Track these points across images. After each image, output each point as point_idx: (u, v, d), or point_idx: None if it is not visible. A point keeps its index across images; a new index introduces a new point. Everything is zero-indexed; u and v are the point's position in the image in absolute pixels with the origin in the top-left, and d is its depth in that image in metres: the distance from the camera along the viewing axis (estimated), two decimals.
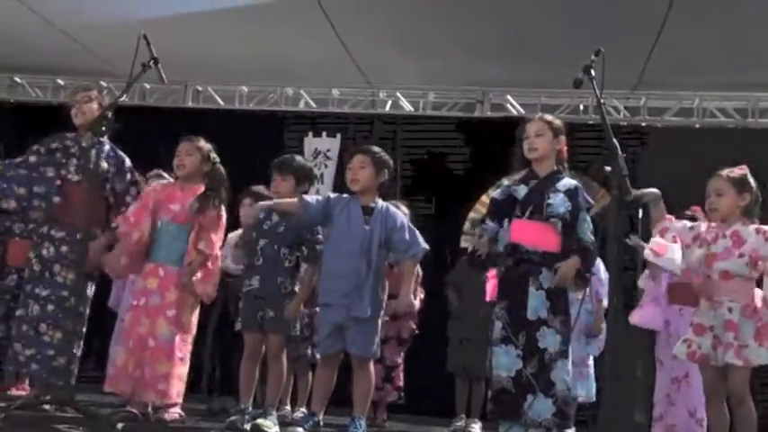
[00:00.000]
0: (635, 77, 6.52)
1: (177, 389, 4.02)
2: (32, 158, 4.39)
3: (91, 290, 4.35)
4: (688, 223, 3.87)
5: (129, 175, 4.45)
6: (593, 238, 3.68)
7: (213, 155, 4.28)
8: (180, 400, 4.05)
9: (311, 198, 4.10)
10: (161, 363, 3.98)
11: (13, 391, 5.11)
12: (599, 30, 5.41)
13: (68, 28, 6.51)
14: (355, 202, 4.08)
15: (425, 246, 4.05)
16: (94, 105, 4.38)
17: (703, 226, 3.82)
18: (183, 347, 4.08)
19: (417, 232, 4.07)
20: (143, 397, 3.98)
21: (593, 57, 3.40)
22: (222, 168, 4.31)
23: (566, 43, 5.72)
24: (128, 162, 4.47)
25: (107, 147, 4.20)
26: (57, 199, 4.30)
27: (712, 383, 3.66)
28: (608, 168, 3.29)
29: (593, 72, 3.39)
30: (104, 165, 4.26)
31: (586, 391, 5.06)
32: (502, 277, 3.81)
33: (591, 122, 6.75)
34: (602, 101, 3.39)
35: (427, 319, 5.69)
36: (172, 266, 4.12)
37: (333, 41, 6.28)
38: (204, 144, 4.28)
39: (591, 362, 5.28)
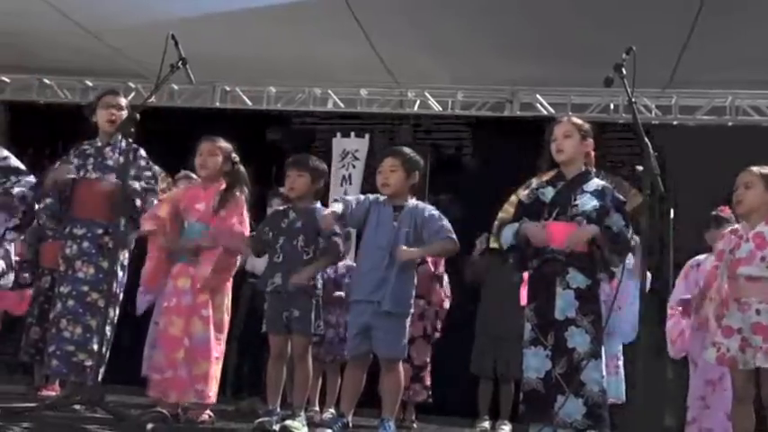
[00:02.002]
0: (666, 76, 6.43)
1: (213, 389, 4.02)
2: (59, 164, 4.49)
3: (116, 287, 4.35)
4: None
5: (146, 170, 4.44)
6: (626, 229, 3.60)
7: (234, 155, 4.28)
8: (214, 401, 4.05)
9: (352, 200, 4.07)
10: (198, 363, 3.98)
11: (44, 392, 5.16)
12: (630, 28, 5.35)
13: (98, 30, 6.57)
14: (386, 202, 4.08)
15: (453, 235, 3.99)
16: (124, 113, 4.41)
17: (720, 244, 3.81)
18: (218, 347, 4.08)
19: (446, 222, 4.02)
20: (181, 398, 3.97)
21: (624, 55, 3.36)
22: (243, 168, 4.30)
23: (596, 42, 5.66)
24: (143, 153, 4.47)
25: (123, 143, 4.21)
26: (75, 197, 4.35)
27: (742, 386, 3.61)
28: (640, 168, 3.24)
29: (624, 70, 3.35)
30: (121, 160, 4.29)
31: (616, 392, 5.00)
32: (530, 279, 3.79)
33: (621, 121, 6.68)
34: (633, 100, 3.35)
35: (455, 319, 5.66)
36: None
37: (361, 42, 6.27)
38: (225, 144, 4.28)
39: (620, 362, 5.21)
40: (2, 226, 4.23)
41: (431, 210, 4.06)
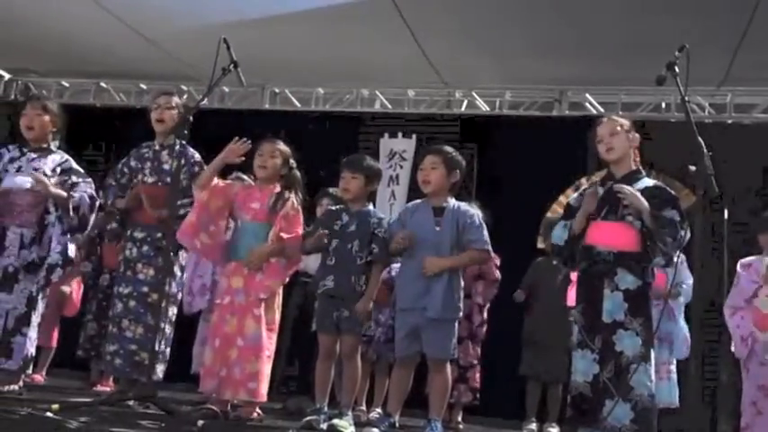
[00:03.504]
0: (720, 73, 6.30)
1: (265, 387, 4.06)
2: (119, 168, 4.62)
3: (174, 287, 4.44)
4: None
5: (196, 169, 4.48)
6: (680, 224, 3.51)
7: (292, 160, 4.32)
8: (265, 399, 4.11)
9: (394, 230, 4.06)
10: (251, 362, 4.01)
11: (98, 387, 5.28)
12: (681, 25, 5.26)
13: (152, 35, 6.71)
14: (426, 205, 4.08)
15: (488, 246, 4.01)
16: (175, 112, 4.49)
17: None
18: (270, 346, 4.12)
19: (485, 230, 4.03)
20: (233, 395, 4.02)
21: (676, 53, 3.31)
22: (298, 173, 4.33)
23: (646, 39, 5.58)
24: (197, 157, 4.53)
25: (177, 146, 4.30)
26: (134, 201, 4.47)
27: None
28: (693, 168, 3.19)
29: (677, 68, 3.30)
30: (176, 163, 4.37)
31: (669, 397, 4.92)
32: (578, 280, 3.76)
33: (673, 120, 6.56)
34: (686, 98, 3.29)
35: (502, 321, 5.63)
36: None
37: (408, 42, 6.27)
38: (285, 147, 4.32)
39: (673, 366, 5.13)
40: (63, 223, 4.34)
41: (472, 214, 4.05)
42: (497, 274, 5.40)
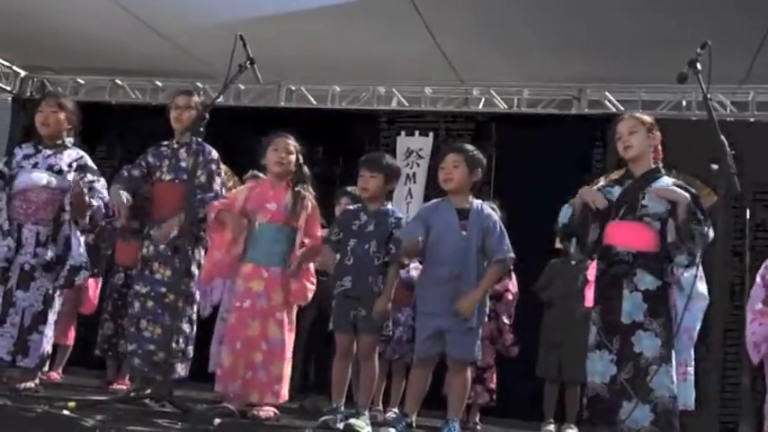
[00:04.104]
0: (742, 71, 6.22)
1: (286, 388, 4.08)
2: (136, 164, 4.60)
3: (193, 287, 4.42)
4: None
5: (213, 166, 4.48)
6: (704, 221, 3.46)
7: (301, 156, 4.31)
8: (287, 399, 4.11)
9: (413, 228, 4.02)
10: (275, 365, 4.02)
11: (115, 385, 5.28)
12: (703, 22, 5.19)
13: (168, 32, 6.71)
14: (448, 205, 4.01)
15: (512, 254, 3.96)
16: (194, 112, 4.47)
17: None
18: (290, 347, 4.13)
19: (506, 237, 3.98)
20: (260, 398, 4.02)
21: (698, 50, 3.25)
22: (307, 169, 4.32)
23: (667, 36, 5.52)
24: (214, 155, 4.51)
25: (194, 144, 4.29)
26: (152, 199, 4.47)
27: None
28: (715, 166, 3.13)
29: (698, 66, 3.24)
30: (192, 160, 4.35)
31: (685, 399, 4.85)
32: (596, 281, 3.71)
33: (694, 118, 6.48)
34: (708, 96, 3.24)
35: (519, 322, 5.58)
36: (275, 267, 4.12)
37: (425, 39, 6.24)
38: (296, 143, 4.31)
39: (690, 368, 5.06)
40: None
41: (495, 219, 4.00)
42: (514, 292, 5.44)
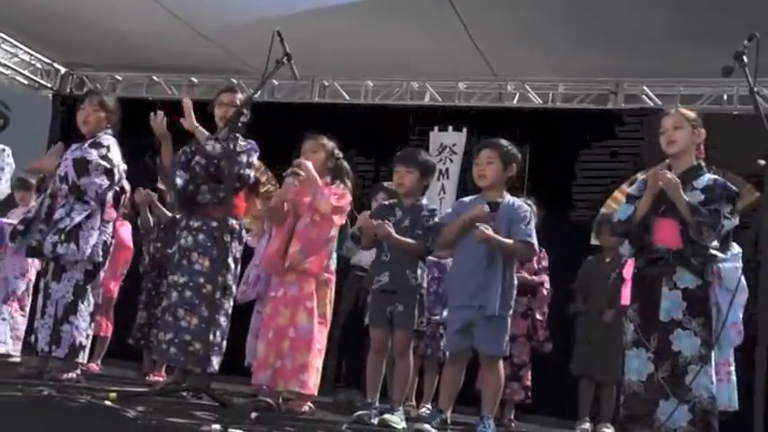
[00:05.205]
0: None
1: (315, 380, 4.07)
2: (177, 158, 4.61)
3: (230, 279, 4.44)
4: None
5: (245, 158, 4.47)
6: (728, 216, 3.43)
7: (337, 151, 4.32)
8: (316, 392, 4.11)
9: (447, 218, 4.02)
10: (302, 353, 4.03)
11: (151, 377, 5.35)
12: (746, 12, 5.07)
13: (204, 29, 6.77)
14: (481, 199, 4.02)
15: (535, 243, 3.95)
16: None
17: None
18: (321, 339, 4.13)
19: (533, 229, 3.97)
20: (285, 386, 4.03)
21: (745, 42, 3.19)
22: (346, 164, 4.33)
23: (707, 29, 5.43)
24: (244, 145, 4.48)
25: (230, 138, 4.31)
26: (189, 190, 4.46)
27: None
28: (762, 162, 3.08)
29: (745, 59, 3.18)
30: (222, 151, 4.37)
31: (728, 400, 4.77)
32: (634, 278, 3.68)
33: (736, 113, 6.36)
34: (755, 89, 3.18)
35: (555, 319, 5.55)
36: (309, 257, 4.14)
37: (459, 33, 6.20)
38: (328, 141, 4.32)
39: (732, 368, 4.98)
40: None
41: (524, 210, 3.98)
42: (548, 288, 5.40)
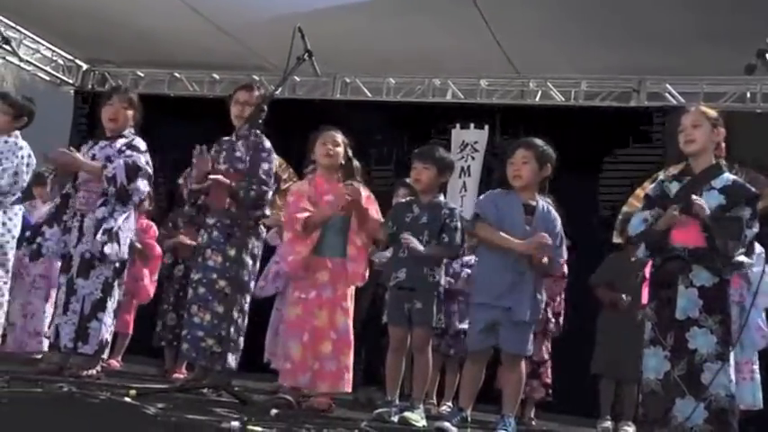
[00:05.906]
0: None
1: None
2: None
3: (246, 276, 4.43)
4: None
5: (266, 156, 4.48)
6: (749, 221, 3.40)
7: (349, 149, 4.32)
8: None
9: (488, 208, 3.95)
10: (345, 354, 4.07)
11: (173, 375, 5.36)
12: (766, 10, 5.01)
13: (226, 25, 6.79)
14: (516, 197, 3.92)
15: (564, 265, 3.94)
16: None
17: None
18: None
19: (564, 245, 3.95)
20: (331, 388, 4.07)
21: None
22: (357, 163, 4.33)
23: (729, 27, 5.36)
24: (266, 144, 4.48)
25: (252, 136, 4.31)
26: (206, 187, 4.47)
27: None
28: None
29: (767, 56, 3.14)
30: (245, 150, 4.38)
31: (753, 399, 4.72)
32: (651, 277, 3.66)
33: (759, 111, 6.28)
34: None
35: (575, 317, 5.51)
36: (338, 258, 4.16)
37: (481, 30, 6.17)
38: (344, 137, 4.32)
39: (756, 366, 4.93)
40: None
41: (558, 224, 3.94)
42: (564, 269, 5.30)
